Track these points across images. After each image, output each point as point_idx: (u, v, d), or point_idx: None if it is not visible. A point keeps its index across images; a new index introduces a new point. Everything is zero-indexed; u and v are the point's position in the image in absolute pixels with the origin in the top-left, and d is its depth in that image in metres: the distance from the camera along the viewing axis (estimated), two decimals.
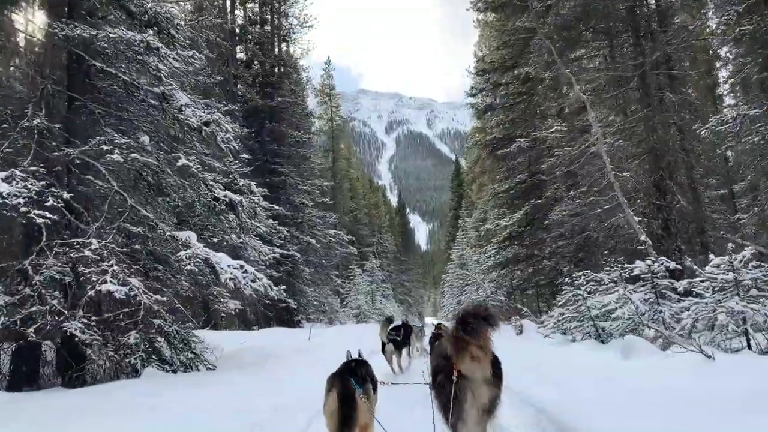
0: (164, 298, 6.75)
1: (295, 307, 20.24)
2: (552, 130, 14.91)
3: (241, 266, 7.91)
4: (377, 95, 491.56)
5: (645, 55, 11.38)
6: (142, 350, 6.63)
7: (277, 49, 24.97)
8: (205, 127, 7.77)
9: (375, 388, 3.59)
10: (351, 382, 3.12)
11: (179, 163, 7.74)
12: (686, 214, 11.14)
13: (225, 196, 8.63)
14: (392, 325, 7.88)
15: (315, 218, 23.69)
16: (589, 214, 11.88)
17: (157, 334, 7.01)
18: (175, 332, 7.33)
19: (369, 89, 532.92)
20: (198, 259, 7.15)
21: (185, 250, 7.11)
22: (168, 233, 7.42)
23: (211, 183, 8.58)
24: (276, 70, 23.71)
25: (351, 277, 28.54)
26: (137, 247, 7.93)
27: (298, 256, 20.60)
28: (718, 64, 15.86)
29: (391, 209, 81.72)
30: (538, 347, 9.52)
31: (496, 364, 2.77)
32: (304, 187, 22.39)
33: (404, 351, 7.94)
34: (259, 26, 24.21)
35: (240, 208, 8.94)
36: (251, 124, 21.79)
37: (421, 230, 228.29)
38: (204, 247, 7.44)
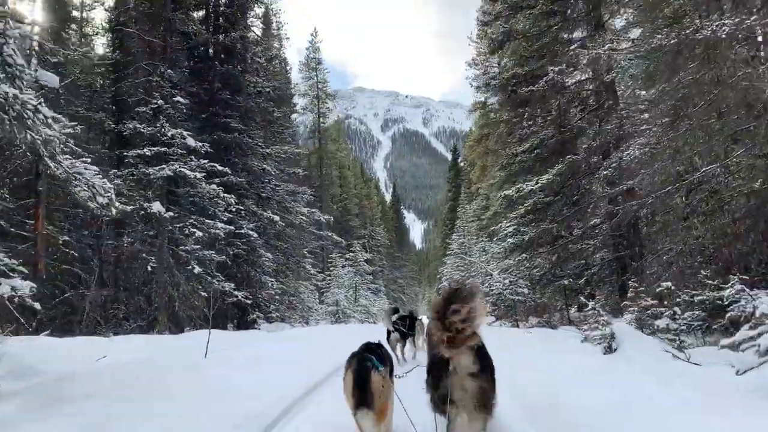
0: None
1: (249, 302, 15.36)
2: (606, 47, 10.17)
3: None
4: (373, 93, 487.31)
5: None
6: None
7: None
8: None
9: (392, 372, 3.54)
10: (368, 361, 3.12)
11: None
12: None
13: None
14: (398, 315, 7.65)
15: (282, 192, 18.79)
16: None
17: None
18: None
19: (365, 87, 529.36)
20: None
21: None
22: None
23: None
24: None
25: (333, 268, 23.60)
26: None
27: (255, 236, 15.71)
28: None
29: (384, 204, 77.22)
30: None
31: (483, 355, 2.71)
32: (267, 151, 17.47)
33: (408, 342, 7.72)
34: None
35: None
36: (198, 66, 16.89)
37: (416, 228, 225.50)
38: None
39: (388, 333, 7.28)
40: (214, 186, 14.18)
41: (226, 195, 14.27)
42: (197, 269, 12.70)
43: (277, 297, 16.60)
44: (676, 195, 8.73)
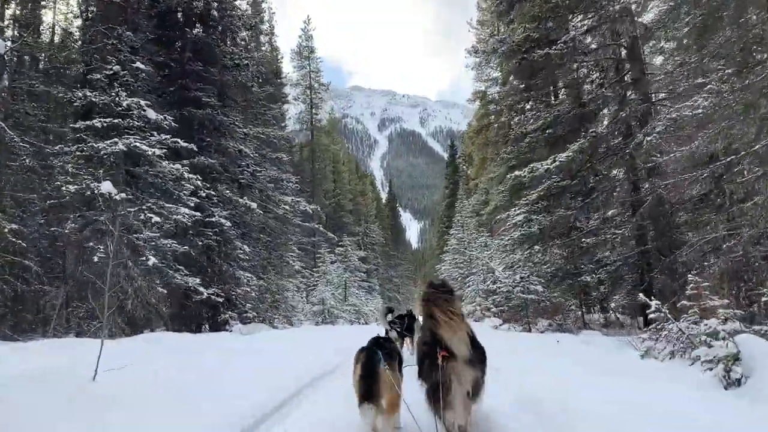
0: None
1: (220, 300, 13.45)
2: None
3: None
4: (370, 92, 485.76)
5: None
6: None
7: None
8: None
9: (401, 366, 3.58)
10: (376, 355, 3.12)
11: None
12: None
13: None
14: (395, 314, 7.04)
15: (263, 178, 16.85)
16: None
17: None
18: None
19: (362, 85, 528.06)
20: None
21: None
22: None
23: None
24: None
25: (321, 264, 21.65)
26: None
27: (228, 224, 13.77)
28: None
29: (380, 201, 75.30)
30: None
31: (476, 345, 2.80)
32: (244, 130, 15.52)
33: (407, 341, 7.42)
34: None
35: None
36: (167, 33, 14.92)
37: (413, 228, 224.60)
38: None
39: (386, 332, 6.48)
40: (178, 166, 12.24)
41: (191, 176, 12.34)
42: (152, 260, 10.76)
43: (253, 295, 14.65)
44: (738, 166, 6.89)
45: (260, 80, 17.72)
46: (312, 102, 41.20)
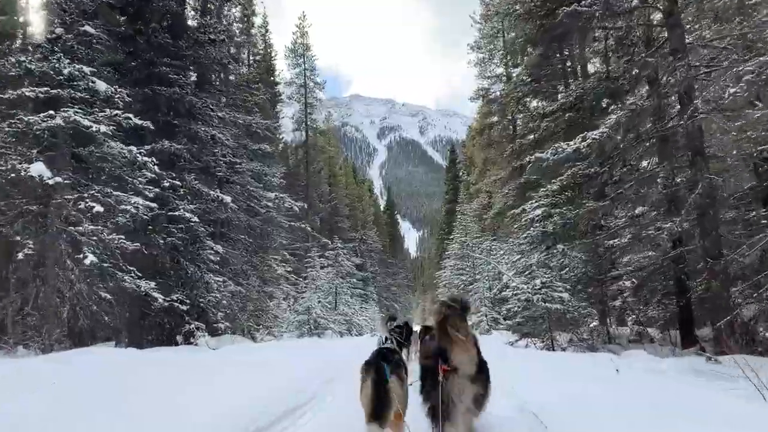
0: None
1: (184, 308, 11.42)
2: None
3: None
4: (370, 101, 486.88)
5: None
6: None
7: None
8: None
9: (407, 375, 3.57)
10: (383, 370, 3.14)
11: None
12: None
13: None
14: (394, 324, 6.09)
15: (242, 170, 14.87)
16: None
17: None
18: None
19: (362, 94, 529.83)
20: None
21: None
22: None
23: None
24: None
25: (310, 269, 19.57)
26: None
27: (195, 220, 11.76)
28: None
29: (378, 207, 73.42)
30: None
31: (481, 362, 2.83)
32: (219, 114, 13.57)
33: (404, 351, 5.92)
34: None
35: None
36: (130, 2, 13.02)
37: (411, 237, 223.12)
38: None
39: (385, 339, 6.06)
40: (132, 148, 10.27)
41: (146, 160, 10.36)
42: (90, 258, 8.76)
43: (224, 302, 12.59)
44: None
45: (249, 65, 15.81)
46: (307, 101, 39.46)
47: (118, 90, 10.49)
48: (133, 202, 9.93)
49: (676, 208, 9.82)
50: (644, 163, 11.68)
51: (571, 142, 8.73)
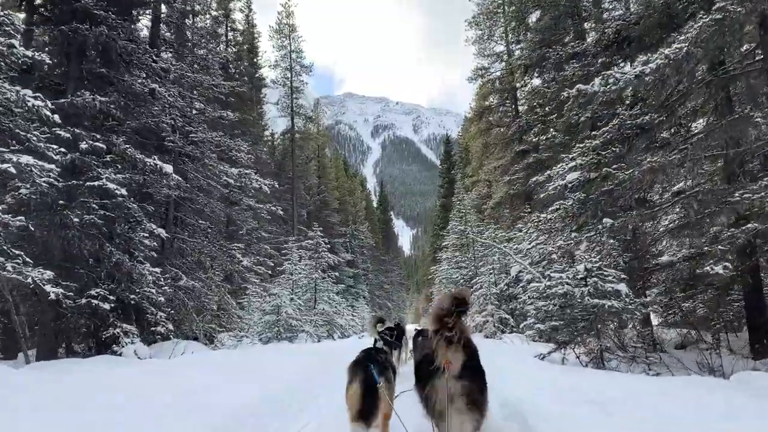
0: None
1: (107, 307, 8.70)
2: None
3: None
4: (363, 99, 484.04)
5: None
6: None
7: None
8: None
9: (395, 376, 3.58)
10: (372, 371, 3.08)
11: None
12: None
13: None
14: (385, 326, 6.87)
15: (197, 137, 12.13)
16: None
17: None
18: None
19: (355, 92, 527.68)
20: None
21: None
22: None
23: None
24: None
25: (286, 261, 16.83)
26: None
27: (123, 193, 9.01)
28: None
29: (370, 202, 70.77)
30: None
31: (473, 356, 2.69)
32: (162, 65, 10.83)
33: (395, 353, 6.72)
34: None
35: None
36: None
37: (405, 235, 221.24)
38: None
39: (375, 342, 5.78)
40: (28, 92, 7.53)
41: (49, 114, 7.63)
42: None
43: (162, 300, 9.83)
44: None
45: (228, 42, 13.13)
46: (292, 85, 36.70)
47: (8, 14, 7.75)
48: (25, 163, 7.17)
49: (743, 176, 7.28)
50: (694, 125, 9.10)
51: (637, 64, 6.07)
